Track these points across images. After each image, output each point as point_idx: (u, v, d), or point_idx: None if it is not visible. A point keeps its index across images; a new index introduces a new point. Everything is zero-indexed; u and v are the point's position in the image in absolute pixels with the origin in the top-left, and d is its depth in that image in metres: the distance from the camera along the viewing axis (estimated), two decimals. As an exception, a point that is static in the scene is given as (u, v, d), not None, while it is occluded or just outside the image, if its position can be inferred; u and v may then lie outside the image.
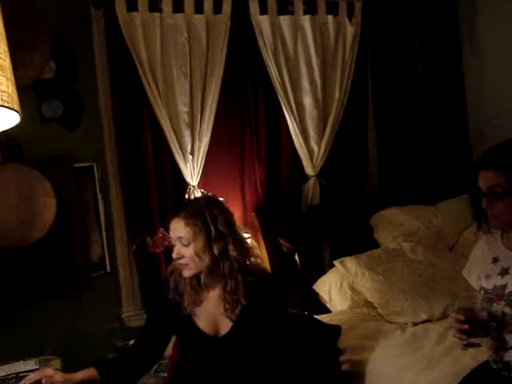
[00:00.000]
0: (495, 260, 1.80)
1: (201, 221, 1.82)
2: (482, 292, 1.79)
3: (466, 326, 1.64)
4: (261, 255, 2.02)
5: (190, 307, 1.90)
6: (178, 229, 1.83)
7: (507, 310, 1.71)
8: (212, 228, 1.81)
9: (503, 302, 1.72)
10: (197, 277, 1.89)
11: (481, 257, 1.87)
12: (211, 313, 1.89)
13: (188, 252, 1.81)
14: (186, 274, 1.86)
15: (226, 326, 1.87)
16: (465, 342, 1.67)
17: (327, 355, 2.18)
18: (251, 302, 1.84)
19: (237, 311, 1.85)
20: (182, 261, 1.84)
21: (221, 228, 1.83)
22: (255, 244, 2.06)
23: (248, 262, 1.90)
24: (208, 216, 1.83)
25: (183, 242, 1.82)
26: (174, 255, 1.85)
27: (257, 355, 1.87)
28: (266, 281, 1.93)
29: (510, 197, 1.67)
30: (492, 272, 1.78)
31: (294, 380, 1.91)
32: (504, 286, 1.73)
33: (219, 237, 1.82)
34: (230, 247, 1.83)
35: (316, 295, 3.09)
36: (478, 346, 1.69)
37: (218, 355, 1.89)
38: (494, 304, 1.74)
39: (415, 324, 2.63)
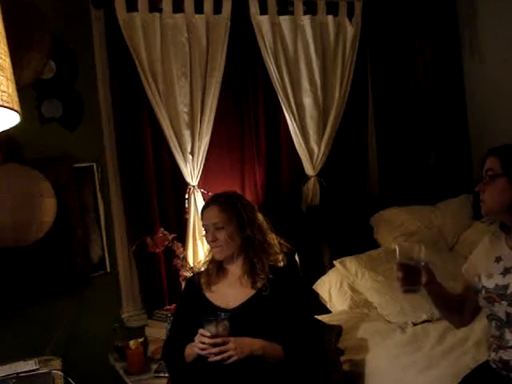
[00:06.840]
0: (498, 259, 1.80)
1: (233, 207, 2.10)
2: (483, 291, 1.79)
3: (401, 275, 1.73)
4: (278, 240, 2.23)
5: (206, 284, 2.12)
6: (213, 215, 2.10)
7: (510, 309, 1.70)
8: (244, 214, 2.10)
9: (505, 302, 1.72)
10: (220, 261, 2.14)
11: (484, 256, 1.87)
12: (224, 290, 2.09)
13: (222, 235, 2.07)
14: (219, 256, 2.11)
15: (236, 301, 2.04)
16: (403, 288, 1.77)
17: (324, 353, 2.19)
18: (267, 287, 2.03)
19: (252, 291, 2.05)
20: (216, 243, 2.09)
21: (250, 214, 2.12)
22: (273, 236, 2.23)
23: (270, 243, 2.14)
24: (239, 204, 2.13)
25: (218, 226, 2.08)
26: (210, 239, 2.10)
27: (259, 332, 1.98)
28: (285, 272, 2.13)
29: (498, 182, 1.71)
30: (494, 271, 1.78)
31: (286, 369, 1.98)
32: (506, 286, 1.72)
33: (248, 222, 2.10)
34: (256, 231, 2.10)
35: (316, 295, 3.09)
36: (414, 291, 1.79)
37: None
38: (496, 303, 1.74)
39: (415, 324, 2.63)
